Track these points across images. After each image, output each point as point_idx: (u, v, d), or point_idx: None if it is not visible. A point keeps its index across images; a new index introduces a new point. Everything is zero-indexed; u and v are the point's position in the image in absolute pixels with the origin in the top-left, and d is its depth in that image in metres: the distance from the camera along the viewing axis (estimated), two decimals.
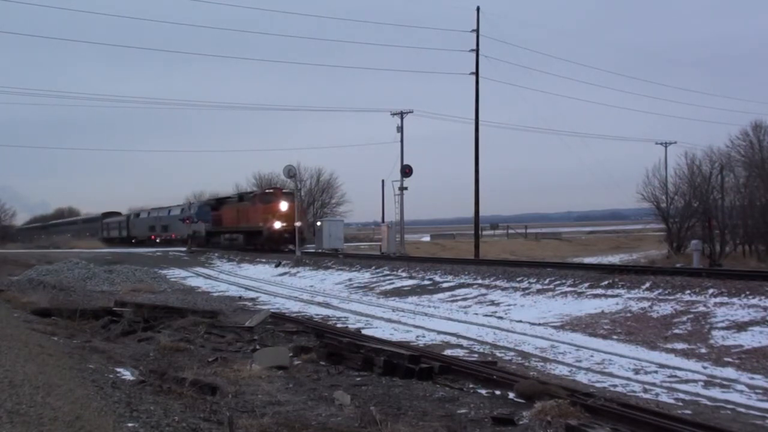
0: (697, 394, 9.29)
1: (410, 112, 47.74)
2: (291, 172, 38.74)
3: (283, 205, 42.43)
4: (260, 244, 43.15)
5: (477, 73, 41.83)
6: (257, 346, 12.54)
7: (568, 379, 10.28)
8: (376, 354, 11.06)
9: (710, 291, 15.46)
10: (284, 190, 45.35)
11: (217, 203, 53.37)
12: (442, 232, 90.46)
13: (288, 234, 40.46)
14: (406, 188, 41.66)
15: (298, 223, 38.10)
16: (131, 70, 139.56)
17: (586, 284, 18.60)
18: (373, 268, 28.68)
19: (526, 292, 19.41)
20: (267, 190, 46.10)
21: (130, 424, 6.40)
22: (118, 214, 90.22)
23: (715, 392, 9.39)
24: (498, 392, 9.13)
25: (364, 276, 27.58)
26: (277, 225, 41.98)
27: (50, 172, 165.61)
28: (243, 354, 12.05)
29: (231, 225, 48.26)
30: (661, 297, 15.98)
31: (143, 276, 30.84)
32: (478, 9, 41.70)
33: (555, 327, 15.00)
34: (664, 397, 9.13)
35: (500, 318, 16.69)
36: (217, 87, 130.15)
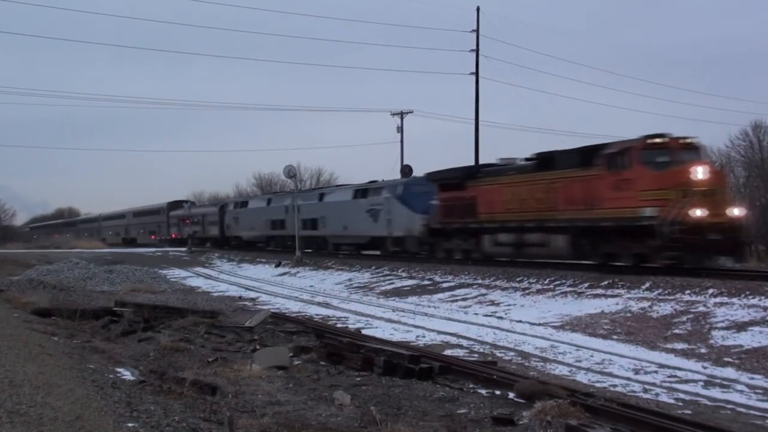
0: (697, 394, 9.29)
1: (410, 112, 47.85)
2: (291, 172, 38.73)
3: (700, 171, 18.89)
4: (646, 255, 19.44)
5: (477, 73, 41.86)
6: (257, 346, 12.54)
7: (568, 379, 10.28)
8: (376, 354, 11.07)
9: (710, 291, 15.45)
10: (686, 138, 19.84)
11: (464, 175, 26.23)
12: None
13: (720, 235, 18.48)
14: None
15: (737, 210, 19.19)
16: (131, 70, 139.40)
17: (586, 284, 18.59)
18: (373, 268, 28.67)
19: (526, 292, 19.40)
20: (651, 139, 19.48)
21: (130, 424, 6.41)
22: (188, 203, 66.95)
23: (715, 392, 9.39)
24: (498, 392, 9.14)
25: (364, 276, 27.58)
26: (698, 213, 18.32)
27: (50, 172, 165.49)
28: (243, 354, 12.06)
29: (518, 213, 23.11)
30: (660, 297, 15.98)
31: (143, 276, 30.86)
32: (478, 9, 41.72)
33: (555, 327, 14.99)
34: (664, 397, 9.14)
35: (500, 318, 16.69)
36: (217, 87, 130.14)
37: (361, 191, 35.49)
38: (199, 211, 58.65)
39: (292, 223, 39.50)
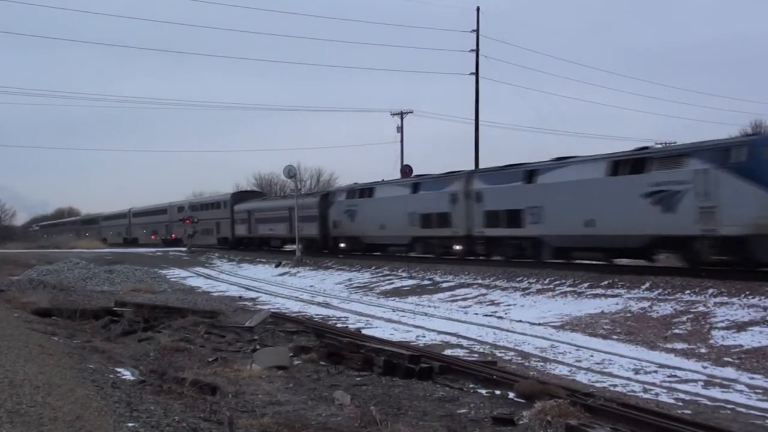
0: (697, 394, 9.29)
1: (410, 112, 47.87)
2: (291, 172, 38.67)
3: None
4: None
5: (477, 73, 41.85)
6: (257, 346, 12.55)
7: (568, 379, 10.28)
8: (376, 354, 11.08)
9: (710, 291, 15.47)
10: None
11: None
12: None
13: None
14: None
15: None
16: (132, 70, 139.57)
17: (586, 284, 18.61)
18: (373, 268, 28.68)
19: (526, 292, 19.41)
20: None
21: (130, 424, 6.41)
22: (258, 194, 53.57)
23: (715, 392, 9.39)
24: (498, 392, 9.14)
25: (364, 276, 27.58)
26: None
27: (50, 172, 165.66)
28: (243, 354, 12.07)
29: None
30: (660, 297, 15.99)
31: (143, 276, 30.88)
32: (478, 9, 41.70)
33: (555, 327, 15.00)
34: (664, 397, 9.14)
35: (500, 318, 16.69)
36: (217, 87, 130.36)
37: (631, 163, 21.05)
38: (279, 204, 43.80)
39: (465, 219, 27.03)
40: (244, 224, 47.00)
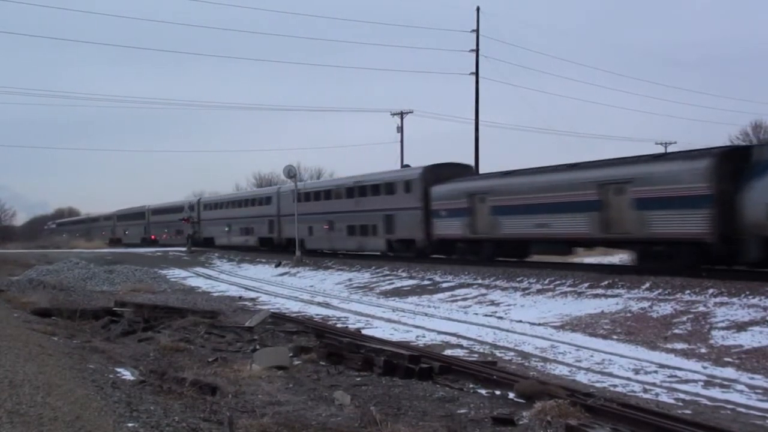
0: (697, 394, 9.29)
1: (410, 112, 47.85)
2: (291, 172, 38.66)
3: None
4: None
5: (477, 73, 41.86)
6: (257, 346, 12.55)
7: (568, 379, 10.28)
8: (376, 354, 11.08)
9: (710, 291, 15.45)
10: None
11: None
12: None
13: None
14: None
15: None
16: (132, 70, 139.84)
17: (586, 284, 18.60)
18: (373, 268, 28.66)
19: (526, 292, 19.40)
20: None
21: (130, 424, 6.40)
22: (460, 167, 30.65)
23: (715, 392, 9.38)
24: (498, 392, 9.14)
25: (364, 276, 27.57)
26: None
27: (50, 172, 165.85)
28: (243, 354, 12.06)
29: None
30: (661, 297, 15.98)
31: (143, 276, 30.88)
32: (478, 9, 41.73)
33: (555, 327, 14.99)
34: (664, 397, 9.13)
35: (500, 318, 16.68)
36: (217, 87, 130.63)
37: None
38: (564, 179, 22.48)
39: None
40: (460, 217, 26.91)
